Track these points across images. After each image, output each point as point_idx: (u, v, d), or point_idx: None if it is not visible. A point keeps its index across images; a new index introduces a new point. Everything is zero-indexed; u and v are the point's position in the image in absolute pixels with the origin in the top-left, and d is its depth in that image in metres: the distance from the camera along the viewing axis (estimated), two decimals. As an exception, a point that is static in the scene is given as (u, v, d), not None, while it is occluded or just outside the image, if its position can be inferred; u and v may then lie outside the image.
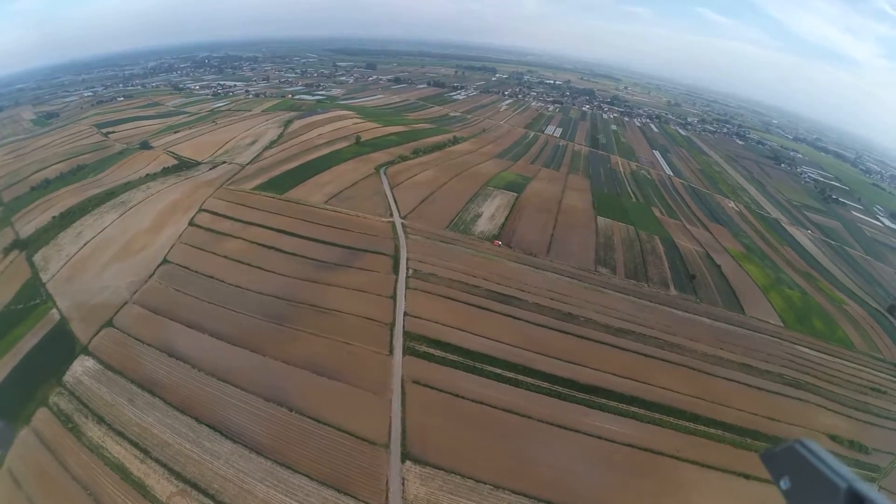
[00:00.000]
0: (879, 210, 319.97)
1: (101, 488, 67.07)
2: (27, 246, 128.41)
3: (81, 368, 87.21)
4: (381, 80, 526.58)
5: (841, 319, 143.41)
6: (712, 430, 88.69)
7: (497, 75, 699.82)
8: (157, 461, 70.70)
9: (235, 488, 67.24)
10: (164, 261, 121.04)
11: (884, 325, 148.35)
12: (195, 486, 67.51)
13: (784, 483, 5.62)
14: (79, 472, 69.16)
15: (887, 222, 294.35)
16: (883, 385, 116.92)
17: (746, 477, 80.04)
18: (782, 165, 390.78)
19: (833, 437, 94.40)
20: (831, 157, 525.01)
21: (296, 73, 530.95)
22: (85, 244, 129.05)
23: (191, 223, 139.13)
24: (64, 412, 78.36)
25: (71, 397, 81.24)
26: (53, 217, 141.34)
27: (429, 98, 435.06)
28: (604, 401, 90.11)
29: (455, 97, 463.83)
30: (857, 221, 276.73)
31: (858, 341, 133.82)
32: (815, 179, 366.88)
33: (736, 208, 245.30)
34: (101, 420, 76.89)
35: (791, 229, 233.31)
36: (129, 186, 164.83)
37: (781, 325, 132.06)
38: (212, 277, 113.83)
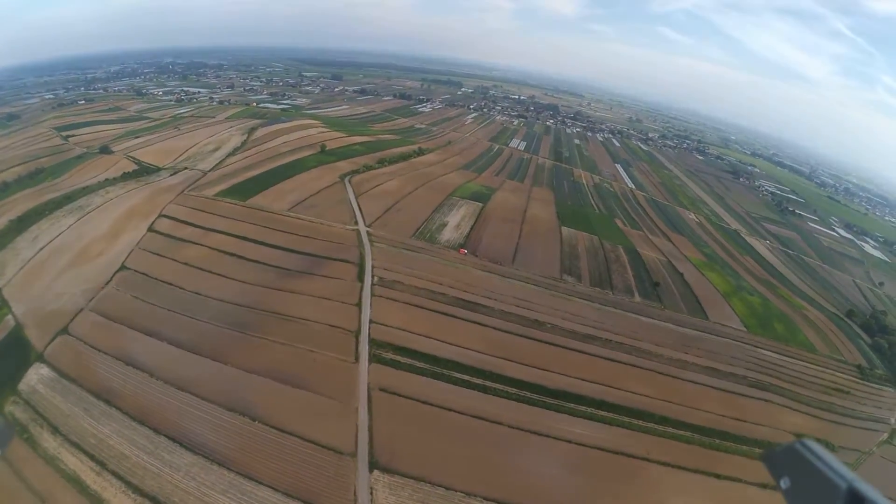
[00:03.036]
0: (835, 221, 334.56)
1: (57, 502, 63.85)
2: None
3: (37, 377, 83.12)
4: (346, 91, 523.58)
5: (801, 324, 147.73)
6: (681, 432, 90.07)
7: (463, 89, 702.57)
8: (114, 474, 67.44)
9: (197, 502, 64.62)
10: (122, 267, 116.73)
11: (843, 329, 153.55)
12: (154, 499, 64.61)
13: (784, 483, 5.56)
14: (34, 483, 65.66)
15: (842, 233, 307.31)
16: (846, 385, 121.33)
17: (717, 476, 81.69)
18: (741, 179, 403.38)
19: (799, 436, 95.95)
20: (787, 171, 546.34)
21: (261, 82, 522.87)
22: (41, 249, 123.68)
23: (150, 229, 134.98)
24: (19, 422, 74.48)
25: (26, 406, 77.23)
26: (10, 221, 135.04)
27: (394, 110, 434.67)
28: (573, 405, 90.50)
29: (421, 110, 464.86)
30: (814, 232, 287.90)
31: (820, 344, 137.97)
32: (772, 192, 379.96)
33: (696, 220, 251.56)
34: (56, 430, 73.20)
35: (750, 239, 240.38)
36: (87, 191, 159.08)
37: (744, 329, 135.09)
38: (171, 284, 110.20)
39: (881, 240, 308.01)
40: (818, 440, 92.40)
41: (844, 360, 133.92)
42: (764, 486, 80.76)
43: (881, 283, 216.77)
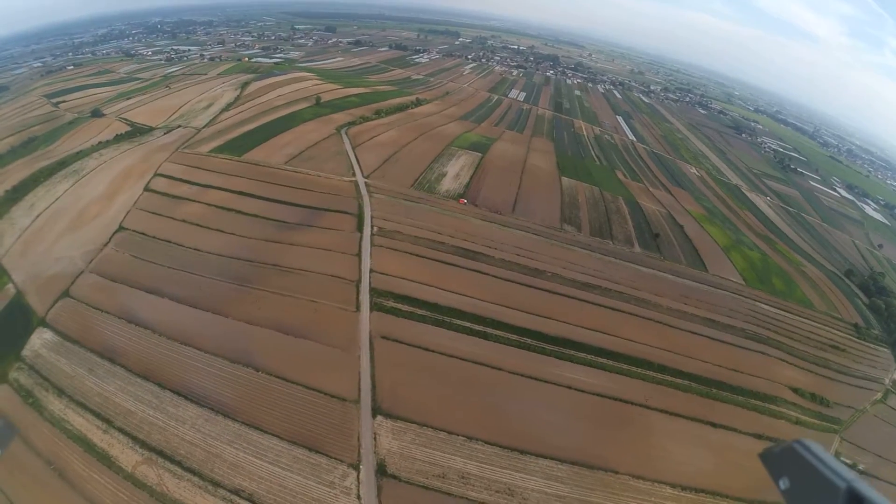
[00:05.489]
0: (836, 181, 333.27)
1: (65, 462, 64.62)
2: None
3: (40, 341, 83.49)
4: (341, 42, 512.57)
5: (800, 280, 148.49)
6: (679, 381, 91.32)
7: (460, 39, 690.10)
8: (121, 430, 68.41)
9: (203, 453, 65.70)
10: (120, 227, 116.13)
11: (841, 288, 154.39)
12: (161, 453, 65.70)
13: (783, 483, 5.57)
14: (42, 446, 66.47)
15: (843, 193, 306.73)
16: (842, 343, 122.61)
17: (713, 425, 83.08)
18: (743, 135, 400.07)
19: (795, 390, 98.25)
20: (790, 129, 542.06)
21: (252, 37, 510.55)
22: (38, 216, 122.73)
23: (146, 188, 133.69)
24: (24, 387, 74.92)
25: (30, 371, 77.72)
26: (6, 191, 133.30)
27: (390, 61, 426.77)
28: (572, 352, 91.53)
29: (417, 60, 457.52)
30: (815, 191, 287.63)
31: (817, 301, 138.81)
32: (774, 150, 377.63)
33: (697, 174, 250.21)
34: (61, 392, 73.88)
35: (751, 195, 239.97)
36: (80, 155, 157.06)
37: (743, 283, 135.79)
38: (170, 242, 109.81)
39: (882, 202, 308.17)
40: (813, 395, 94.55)
41: (841, 318, 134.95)
42: (759, 436, 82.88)
43: (880, 246, 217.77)
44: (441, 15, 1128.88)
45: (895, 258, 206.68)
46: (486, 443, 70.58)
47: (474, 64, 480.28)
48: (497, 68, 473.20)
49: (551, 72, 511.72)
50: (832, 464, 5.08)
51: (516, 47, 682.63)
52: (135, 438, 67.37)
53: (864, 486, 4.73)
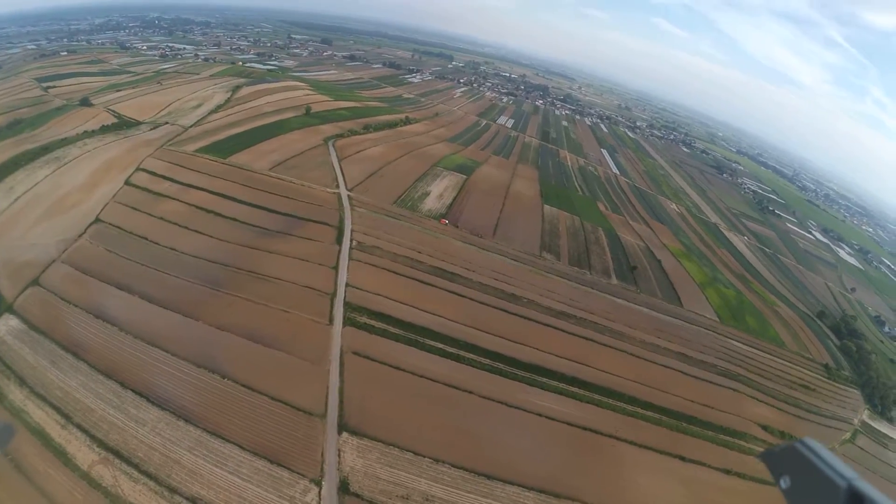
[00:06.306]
0: (812, 225, 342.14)
1: (21, 455, 62.37)
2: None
3: (5, 328, 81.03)
4: (335, 56, 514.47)
5: (773, 319, 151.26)
6: (650, 413, 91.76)
7: (454, 63, 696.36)
8: (79, 427, 66.32)
9: (161, 457, 63.80)
10: (97, 220, 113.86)
11: (813, 329, 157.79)
12: (118, 454, 63.55)
13: (784, 482, 5.54)
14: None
15: (819, 236, 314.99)
16: (812, 383, 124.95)
17: (683, 459, 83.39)
18: (724, 175, 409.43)
19: (765, 427, 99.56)
20: (771, 171, 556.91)
21: (249, 42, 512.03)
22: (16, 199, 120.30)
23: (127, 182, 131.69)
24: (-15, 373, 72.58)
25: (-7, 357, 75.35)
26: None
27: (383, 78, 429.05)
28: (544, 380, 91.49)
29: (410, 80, 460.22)
30: (791, 233, 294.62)
31: (789, 341, 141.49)
32: (754, 191, 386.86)
33: (678, 210, 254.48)
34: (22, 382, 71.59)
35: (729, 234, 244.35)
36: (65, 142, 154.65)
37: (717, 319, 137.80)
38: (146, 239, 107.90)
39: (856, 247, 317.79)
40: (782, 433, 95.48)
41: (812, 358, 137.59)
42: (728, 471, 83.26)
43: (853, 289, 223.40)
44: (437, 38, 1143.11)
45: (867, 302, 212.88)
46: (454, 466, 69.75)
47: (466, 88, 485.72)
48: (488, 94, 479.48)
49: (541, 101, 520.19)
50: (833, 463, 5.05)
51: (508, 75, 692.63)
52: (93, 437, 65.29)
53: (865, 485, 4.69)
